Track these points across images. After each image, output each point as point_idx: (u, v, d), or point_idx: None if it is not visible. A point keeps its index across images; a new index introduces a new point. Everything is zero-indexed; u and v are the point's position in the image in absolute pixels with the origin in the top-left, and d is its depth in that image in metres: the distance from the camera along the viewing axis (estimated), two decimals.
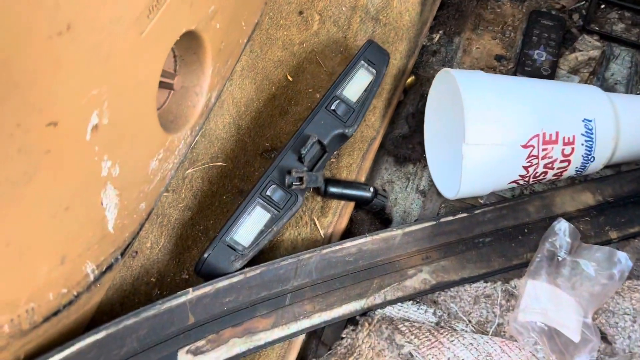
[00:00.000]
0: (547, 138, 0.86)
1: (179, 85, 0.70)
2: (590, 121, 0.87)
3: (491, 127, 0.84)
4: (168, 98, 0.71)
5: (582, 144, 0.87)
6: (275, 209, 0.76)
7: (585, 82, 1.09)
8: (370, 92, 0.85)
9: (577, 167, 0.90)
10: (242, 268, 0.74)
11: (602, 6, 1.19)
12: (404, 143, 1.03)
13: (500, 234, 0.90)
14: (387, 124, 1.00)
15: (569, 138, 0.87)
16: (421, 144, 1.01)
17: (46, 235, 0.49)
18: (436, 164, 0.97)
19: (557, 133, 0.86)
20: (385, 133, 1.02)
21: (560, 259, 0.87)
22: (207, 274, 0.73)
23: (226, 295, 0.72)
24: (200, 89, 0.72)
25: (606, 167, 0.97)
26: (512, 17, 1.19)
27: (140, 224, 0.68)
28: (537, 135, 0.85)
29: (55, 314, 0.54)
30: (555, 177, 0.91)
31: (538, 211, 0.92)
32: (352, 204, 0.91)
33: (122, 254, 0.66)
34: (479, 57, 1.13)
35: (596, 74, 1.10)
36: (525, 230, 0.91)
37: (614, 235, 0.91)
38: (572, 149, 0.87)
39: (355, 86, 0.84)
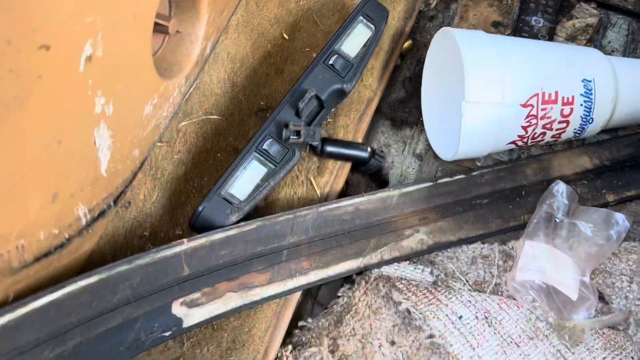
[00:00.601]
0: (547, 98, 0.85)
1: (174, 29, 0.68)
2: (589, 81, 0.87)
3: (491, 85, 0.82)
4: (163, 43, 0.69)
5: (581, 105, 0.87)
6: (272, 163, 0.74)
7: None
8: (369, 47, 0.83)
9: (575, 129, 0.89)
10: (238, 222, 0.73)
11: None
12: (401, 107, 1.01)
13: (498, 196, 0.89)
14: (385, 86, 0.98)
15: (568, 98, 0.86)
16: (418, 108, 1.00)
17: (38, 168, 0.47)
18: (433, 126, 0.96)
19: (556, 93, 0.85)
20: (382, 96, 1.01)
21: (557, 220, 0.86)
22: (202, 228, 0.71)
23: (222, 248, 0.70)
24: (195, 37, 0.70)
25: (603, 131, 0.97)
26: None
27: (133, 172, 0.66)
28: (537, 95, 0.84)
29: (46, 255, 0.52)
30: (553, 139, 0.91)
31: (536, 174, 0.91)
32: (348, 166, 0.90)
33: (115, 202, 0.64)
34: (476, 23, 1.12)
35: (593, 42, 1.10)
36: (523, 193, 0.90)
37: (610, 198, 0.91)
38: (571, 109, 0.86)
39: (353, 41, 0.82)
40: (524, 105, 0.84)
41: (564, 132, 0.89)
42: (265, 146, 0.74)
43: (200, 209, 0.70)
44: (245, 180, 0.73)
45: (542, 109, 0.85)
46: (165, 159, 0.76)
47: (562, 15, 1.12)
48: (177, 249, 0.66)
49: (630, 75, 0.91)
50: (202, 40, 0.71)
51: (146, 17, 0.56)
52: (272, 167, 0.74)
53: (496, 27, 1.12)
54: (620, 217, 0.86)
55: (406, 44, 1.06)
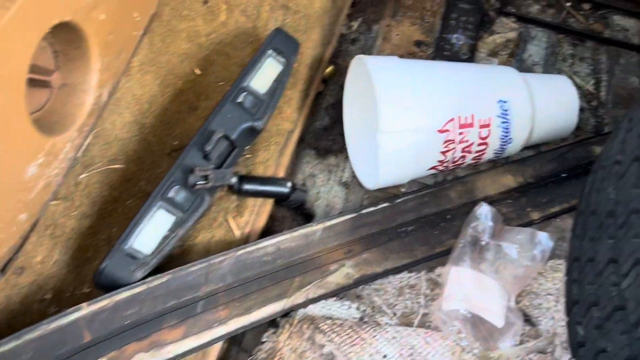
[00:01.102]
0: (463, 121, 0.84)
1: (59, 82, 0.64)
2: (505, 102, 0.86)
3: (405, 113, 0.81)
4: (50, 98, 0.65)
5: (499, 126, 0.86)
6: (180, 212, 0.71)
7: (504, 64, 1.09)
8: (280, 82, 0.81)
9: (495, 150, 0.89)
10: (146, 277, 0.69)
11: None
12: (325, 135, 0.99)
13: (423, 222, 0.88)
14: (306, 116, 0.96)
15: (485, 120, 0.85)
16: (342, 134, 0.98)
17: None
18: (356, 154, 0.95)
19: (472, 116, 0.84)
20: (306, 125, 0.99)
21: (483, 243, 0.86)
22: (106, 286, 0.67)
23: (128, 308, 0.66)
24: (87, 86, 0.66)
25: (526, 148, 0.97)
26: (431, 1, 1.17)
27: (22, 237, 0.62)
28: (453, 119, 0.83)
29: None
30: (474, 161, 0.90)
31: (460, 196, 0.91)
32: (270, 201, 0.87)
33: (2, 270, 0.60)
34: (399, 43, 1.11)
35: (514, 56, 1.10)
36: (448, 217, 0.89)
37: (535, 216, 0.91)
38: (489, 131, 0.86)
39: (263, 77, 0.80)
40: (441, 131, 0.83)
41: (484, 153, 0.89)
42: (171, 194, 0.71)
43: (102, 266, 0.67)
44: (151, 232, 0.69)
45: (460, 133, 0.84)
46: (64, 215, 0.71)
47: (483, 30, 1.13)
48: (75, 316, 0.62)
49: (546, 92, 0.91)
50: (96, 88, 0.68)
51: (15, 76, 0.52)
52: (180, 215, 0.71)
53: (419, 46, 1.11)
54: (543, 236, 0.86)
55: (328, 70, 1.04)
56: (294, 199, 0.85)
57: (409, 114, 0.81)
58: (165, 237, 0.70)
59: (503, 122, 0.86)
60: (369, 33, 1.12)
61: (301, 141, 0.97)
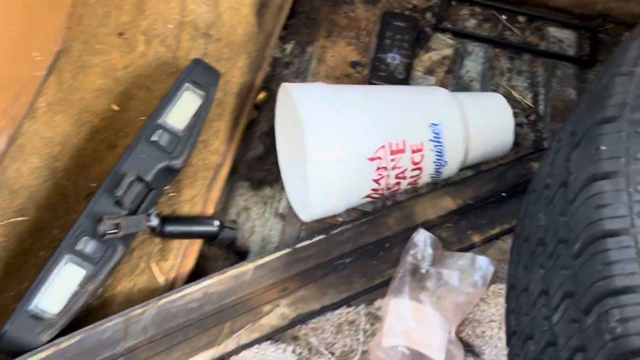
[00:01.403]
0: (394, 148, 0.81)
1: None
2: (437, 125, 0.84)
3: (334, 142, 0.78)
4: None
5: (432, 150, 0.84)
6: (90, 264, 0.66)
7: (441, 82, 1.07)
8: (199, 116, 0.77)
9: (431, 173, 0.86)
10: (54, 338, 0.64)
11: (454, 3, 1.17)
12: (259, 165, 0.96)
13: (361, 253, 0.85)
14: (237, 146, 0.92)
15: (416, 145, 0.83)
16: (277, 164, 0.94)
17: None
18: (291, 184, 0.91)
19: (404, 141, 0.82)
20: (238, 156, 0.95)
21: (423, 271, 0.83)
22: (10, 352, 0.62)
23: None
24: None
25: (466, 168, 0.95)
26: (366, 20, 1.15)
27: None
28: (384, 146, 0.80)
29: None
30: (411, 186, 0.87)
31: (398, 223, 0.88)
32: (199, 241, 0.83)
33: None
34: (335, 65, 1.08)
35: (452, 73, 1.08)
36: (387, 245, 0.86)
37: (476, 238, 0.88)
38: (422, 156, 0.83)
39: (180, 112, 0.76)
40: (372, 159, 0.80)
41: (419, 178, 0.86)
42: (79, 246, 0.66)
43: (3, 331, 0.61)
44: (58, 289, 0.64)
45: (392, 160, 0.81)
46: None
47: (420, 48, 1.11)
48: None
49: (479, 111, 0.89)
50: None
51: None
52: (91, 268, 0.66)
53: (354, 67, 1.08)
54: (484, 261, 0.83)
55: (261, 96, 1.00)
56: (223, 237, 0.81)
57: (338, 143, 0.78)
58: (75, 294, 0.65)
59: (436, 146, 0.84)
60: (303, 55, 1.09)
61: (233, 173, 0.93)
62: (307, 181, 0.78)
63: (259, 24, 0.93)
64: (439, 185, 0.94)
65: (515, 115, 1.02)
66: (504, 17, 1.16)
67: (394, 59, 1.06)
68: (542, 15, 1.14)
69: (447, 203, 0.91)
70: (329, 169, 0.78)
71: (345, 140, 0.78)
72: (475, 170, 0.97)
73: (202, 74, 0.78)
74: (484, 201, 0.91)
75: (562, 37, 1.13)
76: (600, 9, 1.11)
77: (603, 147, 0.56)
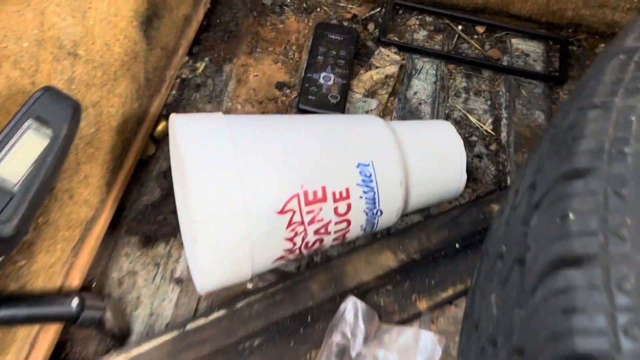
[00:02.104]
0: (311, 197, 0.63)
1: None
2: (366, 165, 0.66)
3: (228, 193, 0.59)
4: None
5: (361, 197, 0.65)
6: None
7: (385, 106, 0.89)
8: (43, 164, 0.57)
9: (362, 225, 0.68)
10: None
11: (400, 11, 1.00)
12: (153, 214, 0.77)
13: (275, 331, 0.66)
14: (120, 193, 0.73)
15: (340, 192, 0.64)
16: (176, 212, 0.75)
17: None
18: (187, 242, 0.72)
19: (323, 188, 0.63)
20: (126, 203, 0.76)
21: (353, 354, 0.64)
22: None
23: None
24: None
25: (413, 212, 0.77)
26: (297, 33, 0.97)
27: None
28: (297, 196, 0.62)
29: None
30: (337, 242, 0.69)
31: (324, 287, 0.69)
32: (56, 327, 0.63)
33: None
34: (257, 86, 0.90)
35: (397, 94, 0.91)
36: (309, 318, 0.68)
37: (423, 305, 0.70)
38: (348, 205, 0.65)
39: (16, 160, 0.56)
40: (282, 212, 0.61)
41: (347, 232, 0.67)
42: None
43: None
44: None
45: (308, 212, 0.63)
46: None
47: (360, 65, 0.93)
48: None
49: (421, 145, 0.71)
50: None
51: None
52: None
53: (281, 89, 0.90)
54: (429, 339, 0.65)
55: (160, 127, 0.82)
56: (84, 319, 0.61)
57: (234, 194, 0.59)
58: None
59: (366, 192, 0.65)
60: (219, 75, 0.90)
61: (116, 227, 0.74)
62: (194, 244, 0.59)
63: (149, 40, 0.74)
64: (377, 236, 0.76)
65: (473, 144, 0.85)
66: (459, 27, 0.99)
67: (327, 79, 0.88)
68: (504, 25, 0.98)
69: (387, 259, 0.72)
70: (222, 228, 0.59)
71: (244, 190, 0.60)
72: (422, 215, 0.79)
73: (52, 107, 0.59)
74: (433, 255, 0.73)
75: (528, 50, 0.96)
76: (570, 17, 0.95)
77: (572, 216, 0.38)
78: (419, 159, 0.69)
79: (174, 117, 0.64)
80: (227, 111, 0.86)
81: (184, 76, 0.88)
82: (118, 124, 0.71)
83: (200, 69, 0.90)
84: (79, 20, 0.66)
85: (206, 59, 0.91)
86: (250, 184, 0.60)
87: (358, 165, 0.65)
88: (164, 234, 0.75)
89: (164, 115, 0.83)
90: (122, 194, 0.74)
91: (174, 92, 0.86)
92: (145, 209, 0.76)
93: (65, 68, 0.67)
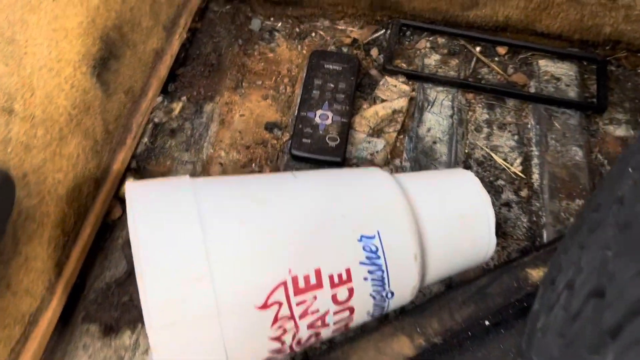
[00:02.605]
0: (302, 284, 0.49)
1: None
2: (371, 238, 0.52)
3: (194, 289, 0.46)
4: None
5: (366, 279, 0.52)
6: None
7: (394, 146, 0.76)
8: None
9: (369, 312, 0.55)
10: None
11: (408, 33, 0.87)
12: (117, 293, 0.64)
13: None
14: (71, 277, 0.61)
15: (339, 275, 0.51)
16: None
17: None
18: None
19: (317, 272, 0.50)
20: (86, 282, 0.63)
21: None
22: None
23: None
24: None
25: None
26: (289, 63, 0.84)
27: None
28: (283, 284, 0.49)
29: None
30: (338, 333, 0.55)
31: None
32: None
33: None
34: (244, 128, 0.77)
35: (407, 132, 0.77)
36: None
37: None
38: (350, 290, 0.52)
39: None
40: (264, 307, 0.48)
41: (350, 321, 0.54)
42: None
43: None
44: None
45: (299, 303, 0.50)
46: None
47: (363, 98, 0.80)
48: None
49: (439, 207, 0.57)
50: None
51: None
52: None
53: (271, 130, 0.77)
54: None
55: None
56: None
57: (202, 290, 0.46)
58: None
59: (372, 272, 0.52)
60: (198, 117, 0.78)
61: (72, 313, 0.61)
62: (153, 353, 0.46)
63: (105, 85, 0.62)
64: (389, 317, 0.62)
65: (500, 189, 0.71)
66: (477, 49, 0.85)
67: (324, 117, 0.75)
68: (530, 44, 0.84)
69: (402, 345, 0.59)
70: (187, 334, 0.46)
71: (215, 283, 0.47)
72: (443, 284, 0.65)
73: None
74: (458, 337, 0.60)
75: (558, 73, 0.83)
76: (608, 33, 0.81)
77: None
78: (436, 224, 0.56)
79: (129, 188, 0.52)
80: (209, 160, 0.74)
81: (157, 120, 0.76)
82: (68, 191, 0.58)
83: (177, 111, 0.77)
84: (14, 69, 0.54)
85: (183, 98, 0.79)
86: (223, 274, 0.47)
87: (361, 239, 0.52)
88: (130, 319, 0.62)
89: (132, 169, 0.71)
90: (80, 271, 0.62)
91: (145, 139, 0.74)
92: (107, 287, 0.63)
93: None
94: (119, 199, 0.69)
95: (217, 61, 0.82)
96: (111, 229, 0.67)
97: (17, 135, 0.55)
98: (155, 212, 0.49)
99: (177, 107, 0.77)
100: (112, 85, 0.63)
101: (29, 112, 0.55)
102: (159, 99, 0.77)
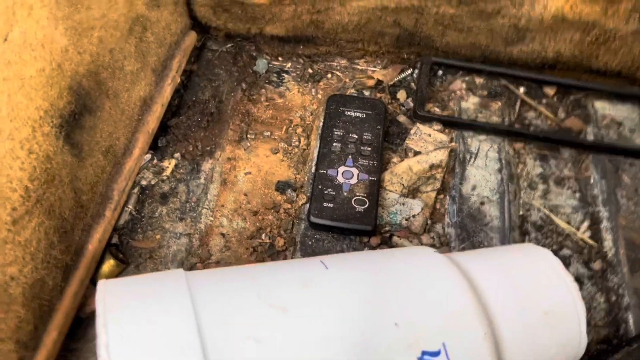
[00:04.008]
0: None
1: None
2: (435, 355, 0.38)
3: None
4: None
5: None
6: None
7: (433, 209, 0.62)
8: None
9: None
10: None
11: (440, 72, 0.75)
12: None
13: None
14: None
15: None
16: None
17: None
18: None
19: None
20: None
21: None
22: None
23: None
24: None
25: None
26: (302, 109, 0.71)
27: None
28: None
29: None
30: None
31: None
32: None
33: None
34: (250, 189, 0.64)
35: (448, 191, 0.64)
36: None
37: None
38: None
39: None
40: None
41: None
42: None
43: None
44: None
45: None
46: None
47: (392, 150, 0.67)
48: None
49: (516, 303, 0.44)
50: None
51: None
52: None
53: (283, 191, 0.64)
54: None
55: (107, 266, 0.55)
56: None
57: None
58: None
59: None
60: (195, 177, 0.64)
61: None
62: None
63: (76, 148, 0.48)
64: None
65: (566, 260, 0.59)
66: (521, 89, 0.73)
67: (348, 175, 0.62)
68: (584, 84, 0.72)
69: None
70: None
71: None
72: None
73: None
74: None
75: (620, 117, 0.70)
76: None
77: None
78: (517, 328, 0.42)
79: (100, 294, 0.38)
80: (208, 230, 0.60)
81: (144, 183, 0.62)
82: (24, 290, 0.44)
83: (169, 170, 0.64)
84: None
85: (177, 154, 0.65)
86: None
87: (422, 357, 0.38)
88: None
89: (113, 246, 0.57)
90: None
91: (129, 207, 0.60)
92: None
93: None
94: (96, 284, 0.54)
95: (216, 109, 0.69)
96: (85, 326, 0.53)
97: None
98: (135, 333, 0.34)
99: (169, 165, 0.64)
100: (86, 147, 0.50)
101: None
102: (147, 156, 0.63)
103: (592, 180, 0.65)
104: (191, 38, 0.70)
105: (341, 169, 0.62)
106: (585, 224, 0.62)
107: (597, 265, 0.59)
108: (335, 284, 0.40)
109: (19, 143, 0.42)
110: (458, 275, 0.42)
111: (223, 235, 0.60)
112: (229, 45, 0.75)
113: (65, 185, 0.47)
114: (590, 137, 0.69)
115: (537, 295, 0.44)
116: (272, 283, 0.40)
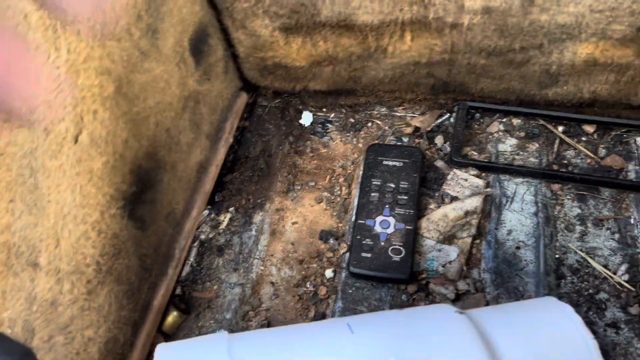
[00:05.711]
0: None
1: None
2: None
3: None
4: None
5: None
6: None
7: (469, 254, 0.65)
8: None
9: None
10: None
11: (477, 115, 0.77)
12: None
13: None
14: None
15: None
16: None
17: None
18: None
19: None
20: None
21: None
22: None
23: None
24: None
25: None
26: (344, 158, 0.76)
27: None
28: None
29: None
30: None
31: None
32: None
33: None
34: (297, 239, 0.70)
35: (484, 236, 0.67)
36: None
37: None
38: None
39: None
40: None
41: None
42: None
43: None
44: None
45: None
46: None
47: (429, 196, 0.70)
48: None
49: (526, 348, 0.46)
50: None
51: None
52: None
53: (326, 240, 0.69)
54: None
55: (171, 318, 0.63)
56: None
57: None
58: None
59: None
60: (247, 229, 0.71)
61: None
62: None
63: (139, 221, 0.56)
64: None
65: (603, 305, 0.59)
66: (560, 128, 0.74)
67: (385, 225, 0.66)
68: (623, 121, 0.71)
69: None
70: None
71: None
72: None
73: None
74: None
75: None
76: None
77: None
78: None
79: (160, 348, 0.45)
80: (259, 279, 0.66)
81: (203, 237, 0.70)
82: (100, 348, 0.52)
83: (224, 224, 0.71)
84: (38, 219, 0.49)
85: (231, 208, 0.72)
86: None
87: None
88: None
89: (177, 297, 0.65)
90: None
91: (190, 259, 0.68)
92: None
93: (24, 283, 0.49)
94: (163, 333, 0.62)
95: (266, 164, 0.76)
96: None
97: (42, 292, 0.49)
98: None
99: (224, 219, 0.71)
100: (149, 218, 0.58)
101: (54, 266, 0.50)
102: (205, 212, 0.71)
103: (632, 221, 0.66)
104: (242, 99, 0.78)
105: (379, 218, 0.67)
106: (624, 268, 0.62)
107: (635, 309, 0.60)
108: (359, 349, 0.45)
109: (90, 226, 0.50)
110: (475, 337, 0.46)
111: (272, 283, 0.66)
112: (277, 101, 0.82)
113: (130, 254, 0.55)
114: (631, 175, 0.69)
115: (554, 353, 0.47)
116: (302, 347, 0.46)
